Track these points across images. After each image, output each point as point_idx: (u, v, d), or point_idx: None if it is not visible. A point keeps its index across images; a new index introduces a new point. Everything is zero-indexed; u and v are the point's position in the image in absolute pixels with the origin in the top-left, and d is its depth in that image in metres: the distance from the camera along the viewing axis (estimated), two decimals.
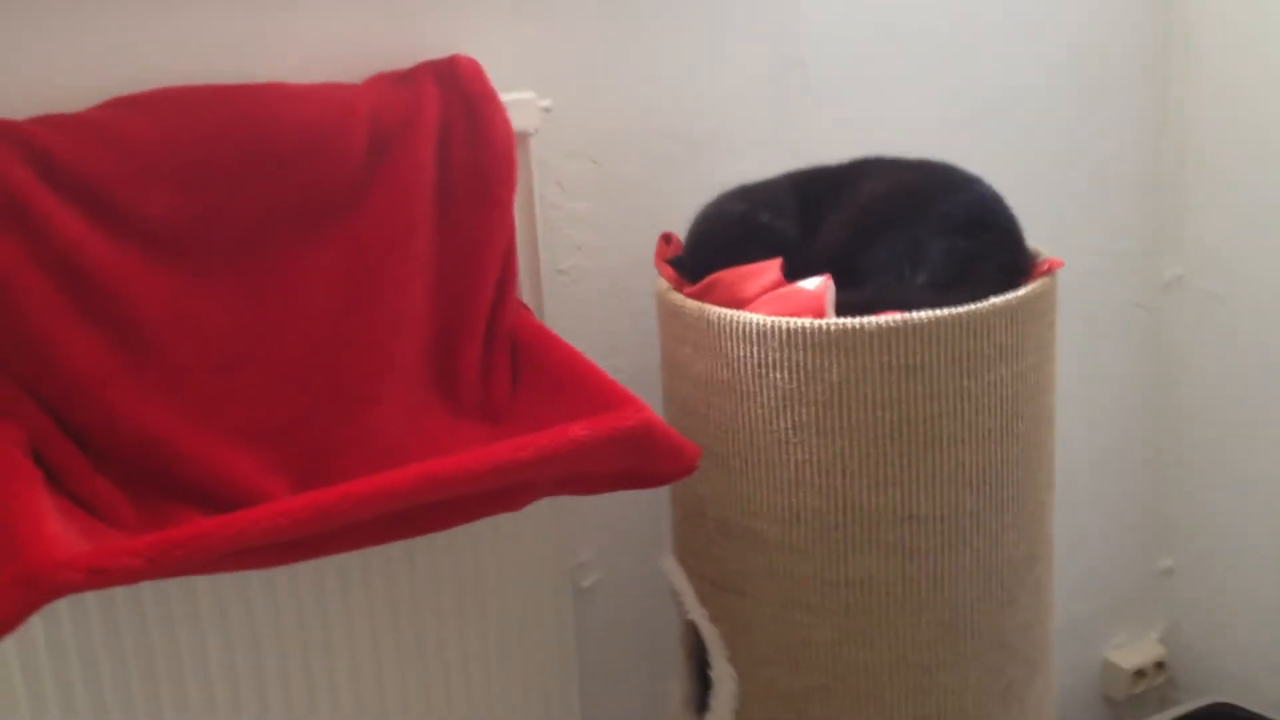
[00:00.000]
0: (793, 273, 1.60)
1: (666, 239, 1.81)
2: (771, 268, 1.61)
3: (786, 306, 1.55)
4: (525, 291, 1.82)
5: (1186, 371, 2.24)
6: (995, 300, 1.53)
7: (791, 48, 1.97)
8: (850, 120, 2.04)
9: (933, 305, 1.53)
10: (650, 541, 1.98)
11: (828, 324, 1.50)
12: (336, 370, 1.47)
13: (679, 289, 1.68)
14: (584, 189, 1.78)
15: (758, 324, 1.54)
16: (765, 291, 1.59)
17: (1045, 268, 1.61)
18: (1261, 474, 2.17)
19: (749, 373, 1.56)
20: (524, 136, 1.66)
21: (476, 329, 1.58)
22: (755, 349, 1.55)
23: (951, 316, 1.50)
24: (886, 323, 1.49)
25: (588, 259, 1.92)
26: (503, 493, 1.48)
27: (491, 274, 1.59)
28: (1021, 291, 1.56)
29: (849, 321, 1.50)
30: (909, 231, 1.60)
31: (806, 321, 1.51)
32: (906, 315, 1.50)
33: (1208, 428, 2.22)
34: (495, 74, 1.56)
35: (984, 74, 2.01)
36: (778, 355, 1.53)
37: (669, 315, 1.67)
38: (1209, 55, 2.00)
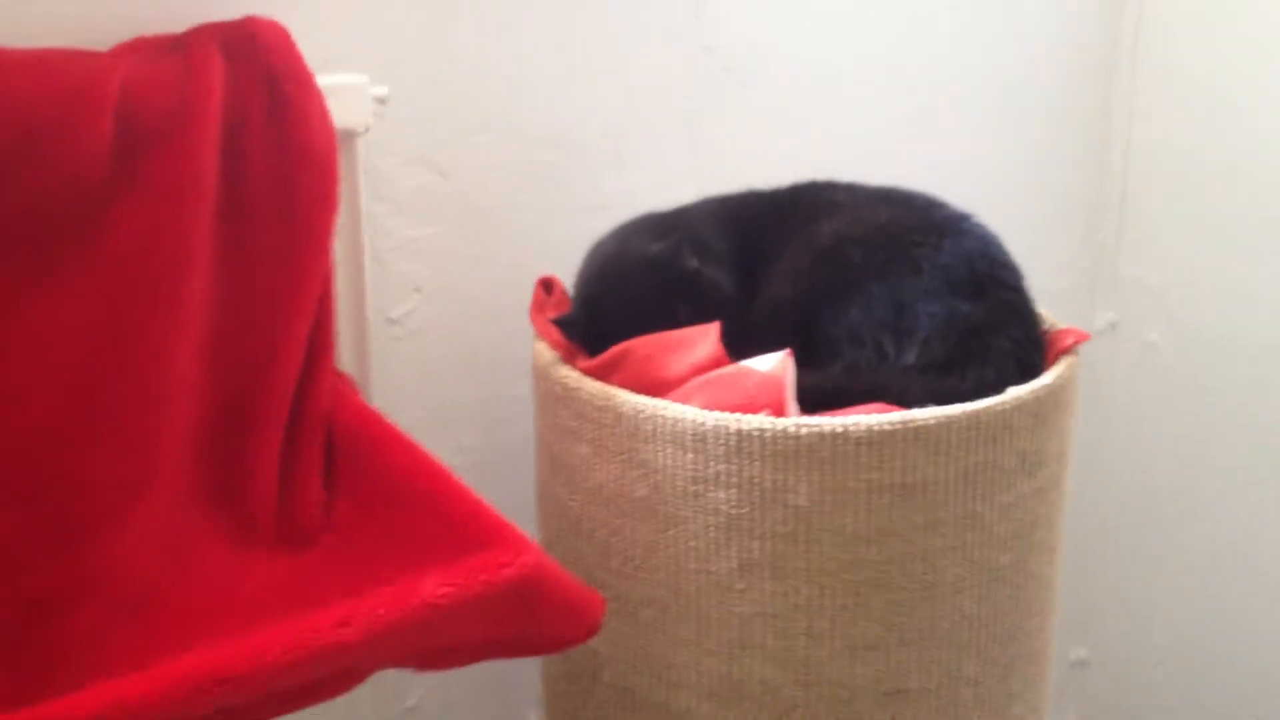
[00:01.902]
0: (731, 342, 1.14)
1: (547, 286, 1.32)
2: (706, 336, 1.15)
3: (730, 395, 1.10)
4: (344, 351, 1.30)
5: (1113, 435, 2.01)
6: (1019, 391, 1.10)
7: (699, 33, 1.51)
8: (769, 123, 1.59)
9: (931, 397, 1.09)
10: (499, 685, 1.50)
11: (793, 425, 1.05)
12: (65, 475, 1.07)
13: (569, 361, 1.20)
14: (427, 209, 1.43)
15: (692, 421, 1.07)
16: (699, 371, 1.13)
17: (1069, 342, 1.19)
18: (1187, 560, 1.99)
19: (676, 490, 1.09)
20: (348, 136, 1.30)
21: (274, 413, 1.18)
22: (688, 457, 1.08)
23: (964, 416, 1.07)
24: (876, 424, 1.05)
25: (429, 305, 1.43)
26: (314, 686, 0.97)
27: (298, 331, 1.21)
28: (1048, 378, 1.14)
29: (824, 423, 1.05)
30: (890, 290, 1.17)
31: (762, 421, 1.06)
32: (902, 414, 1.06)
33: (1131, 506, 2.04)
34: (311, 49, 1.19)
35: (914, 91, 1.73)
36: (721, 467, 1.07)
37: (554, 399, 1.19)
38: (1154, 92, 1.87)
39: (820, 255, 1.22)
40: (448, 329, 1.46)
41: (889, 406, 1.10)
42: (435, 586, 0.97)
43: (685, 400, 1.12)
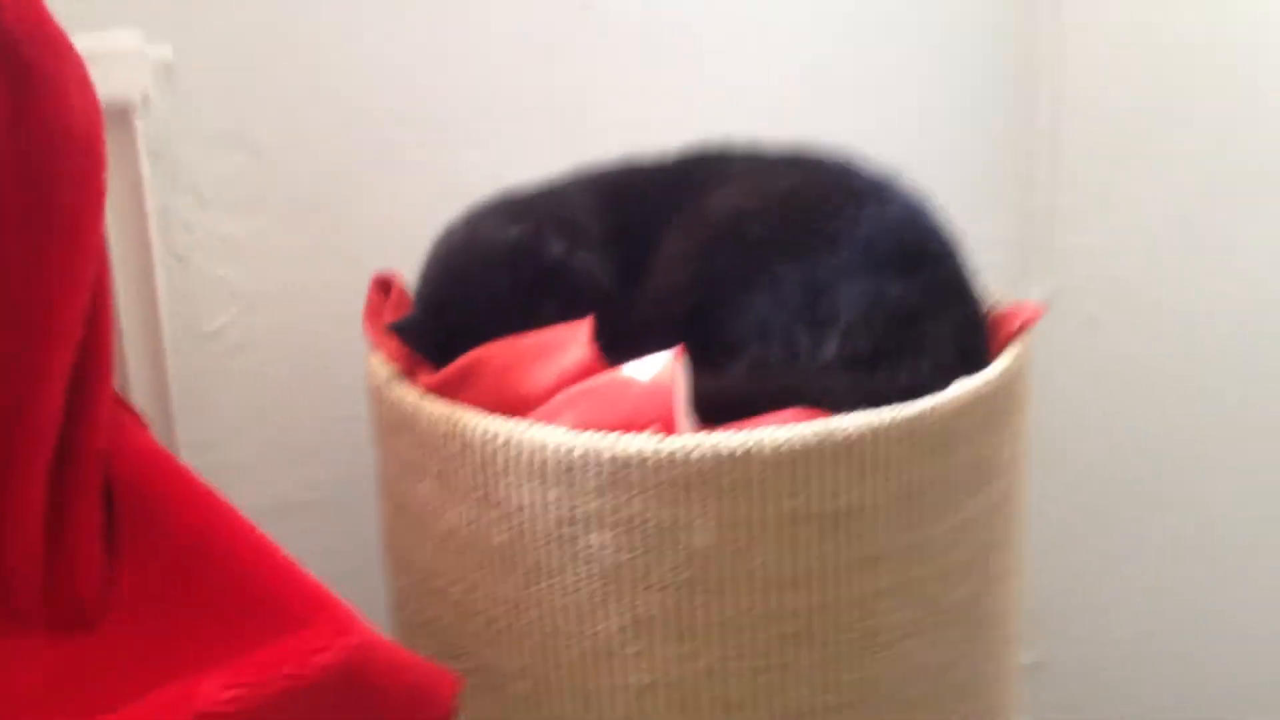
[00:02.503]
0: (609, 343, 0.92)
1: (383, 286, 1.08)
2: (575, 337, 0.92)
3: (606, 411, 0.87)
4: (138, 376, 1.06)
5: (1054, 420, 1.78)
6: (963, 386, 0.88)
7: None
8: (657, 90, 1.36)
9: (858, 398, 0.88)
10: None
11: (686, 445, 0.82)
12: None
13: (410, 376, 0.96)
14: (241, 200, 1.21)
15: (557, 448, 0.84)
16: (568, 381, 0.91)
17: (1018, 323, 0.98)
18: (1142, 554, 1.82)
19: (542, 534, 0.86)
20: (124, 111, 1.09)
21: (32, 462, 0.95)
22: (553, 492, 0.86)
23: (900, 422, 0.85)
24: (790, 439, 0.83)
25: (253, 314, 1.18)
26: None
27: (59, 359, 0.97)
28: (997, 369, 0.92)
29: (724, 440, 0.83)
30: (801, 271, 0.95)
31: (647, 442, 0.83)
32: (822, 423, 0.84)
33: (1080, 495, 1.84)
34: (66, 2, 0.93)
35: (819, 45, 1.51)
36: (596, 504, 0.85)
37: (392, 426, 0.95)
38: (1082, 36, 1.68)
39: (715, 234, 0.99)
40: (279, 342, 1.22)
41: (807, 413, 0.88)
42: (218, 690, 0.73)
43: (550, 420, 0.89)
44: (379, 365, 0.99)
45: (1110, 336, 1.75)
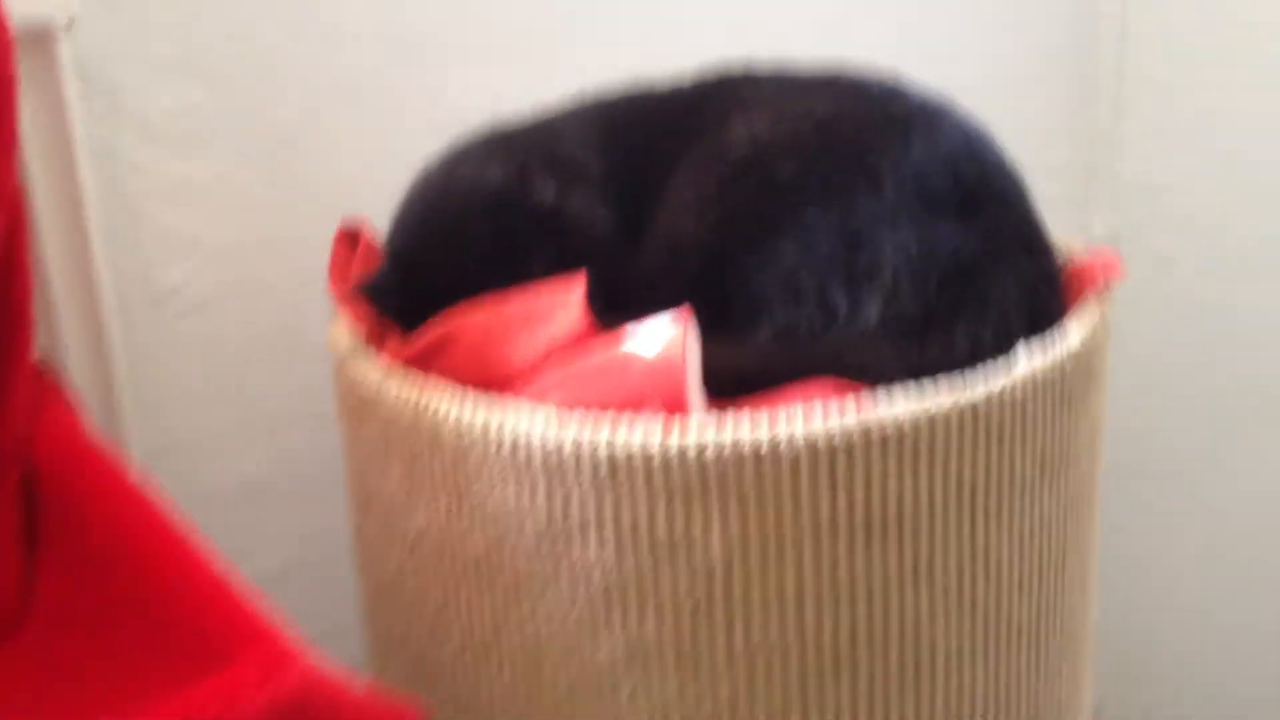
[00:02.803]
0: (609, 302, 0.77)
1: (350, 237, 0.93)
2: (566, 300, 0.77)
3: (602, 391, 0.73)
4: (76, 342, 0.91)
5: (1118, 377, 1.55)
6: (1035, 360, 0.73)
7: None
8: (665, 2, 1.19)
9: (906, 372, 0.72)
10: None
11: (699, 435, 0.67)
12: None
13: (377, 345, 0.82)
14: (196, 137, 1.05)
15: (542, 439, 0.69)
16: (558, 355, 0.75)
17: (1098, 277, 0.82)
18: (1217, 534, 1.57)
19: (528, 542, 0.72)
20: (43, 35, 0.93)
21: None
22: (539, 494, 0.71)
23: (960, 407, 0.69)
24: (824, 428, 0.67)
25: (215, 267, 1.04)
26: None
27: None
28: (1076, 337, 0.76)
29: (746, 430, 0.68)
30: (837, 216, 0.79)
31: (650, 430, 0.68)
32: (862, 406, 0.68)
33: (1145, 468, 1.60)
34: None
35: None
36: (591, 510, 0.70)
37: (356, 406, 0.81)
38: None
39: (733, 172, 0.83)
40: (242, 301, 1.07)
41: (843, 389, 0.72)
42: None
43: (539, 398, 0.74)
44: (342, 333, 0.84)
45: (1184, 279, 1.55)
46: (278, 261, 1.07)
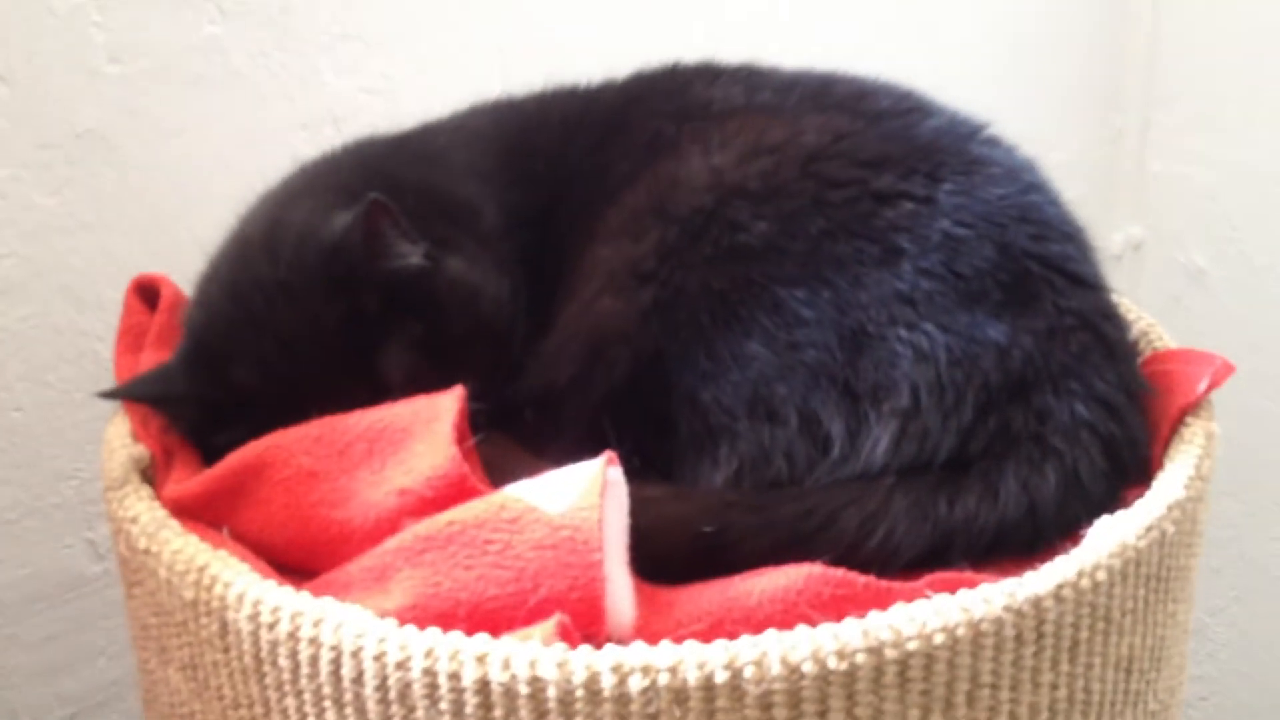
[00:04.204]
0: (499, 421, 0.52)
1: (145, 294, 0.67)
2: (433, 418, 0.52)
3: (483, 572, 0.48)
4: None
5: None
6: (1122, 531, 0.49)
7: None
8: None
9: (926, 543, 0.49)
10: None
11: (626, 660, 0.43)
12: None
13: (161, 469, 0.56)
14: None
15: (388, 655, 0.44)
16: (415, 508, 0.50)
17: (1197, 388, 0.57)
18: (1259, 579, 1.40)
19: None
20: None
21: None
22: None
23: (1013, 609, 0.45)
24: (810, 650, 0.43)
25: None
26: None
27: None
28: (1173, 487, 0.52)
29: (695, 655, 0.43)
30: (833, 296, 0.55)
31: (552, 648, 0.43)
32: (865, 620, 0.44)
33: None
34: None
35: None
36: None
37: (129, 559, 0.55)
38: None
39: (685, 228, 0.58)
40: (44, 353, 0.81)
41: (827, 575, 0.49)
42: None
43: (378, 589, 0.49)
44: (115, 446, 0.59)
45: (1217, 292, 1.35)
46: (69, 303, 0.81)
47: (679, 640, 0.45)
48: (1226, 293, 1.36)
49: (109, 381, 0.65)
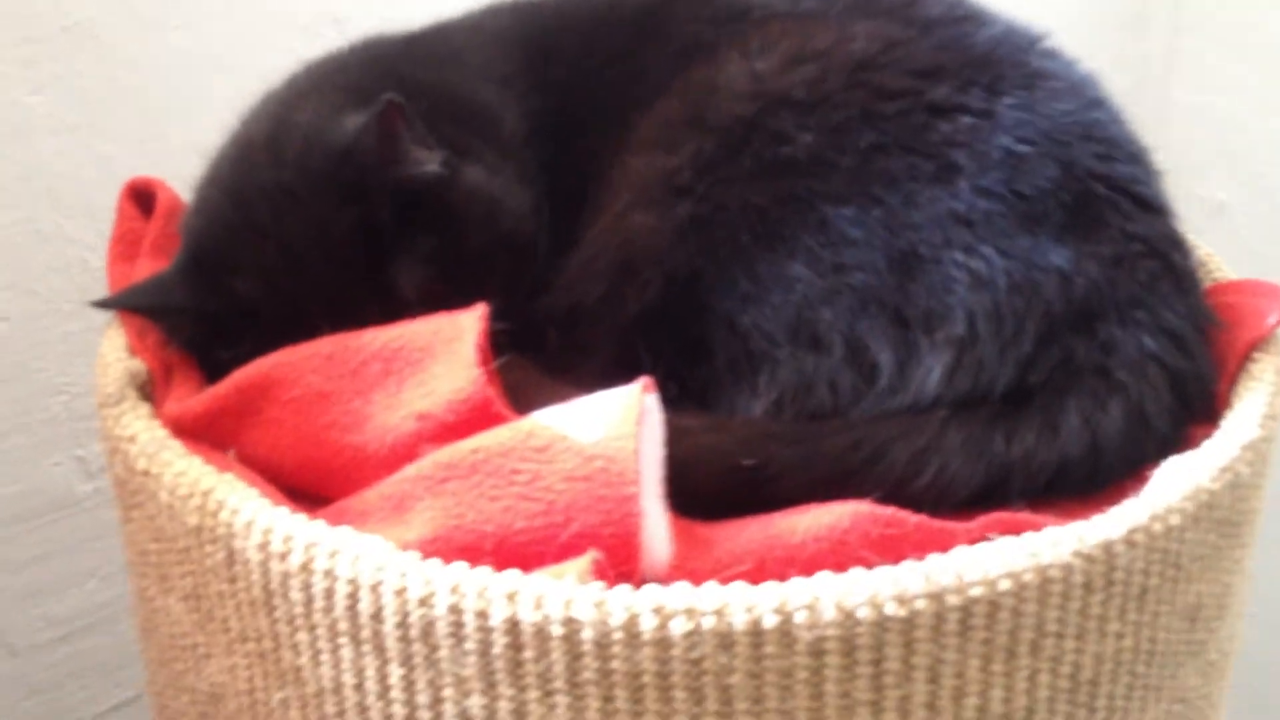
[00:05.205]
0: (523, 341, 0.48)
1: (140, 200, 0.63)
2: (454, 336, 0.48)
3: (509, 503, 0.44)
4: None
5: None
6: (1194, 473, 0.46)
7: None
8: None
9: (982, 480, 0.46)
10: None
11: (665, 600, 0.40)
12: None
13: (160, 386, 0.52)
14: None
15: (409, 590, 0.41)
16: (436, 434, 0.47)
17: (1267, 322, 0.54)
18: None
19: None
20: None
21: None
22: (399, 672, 0.42)
23: (1070, 561, 0.42)
24: (867, 597, 0.40)
25: None
26: None
27: None
28: (1247, 426, 0.49)
29: (739, 597, 0.40)
30: (880, 218, 0.51)
31: (584, 585, 0.40)
32: (925, 566, 0.41)
33: None
34: None
35: None
36: (485, 704, 0.41)
37: (126, 480, 0.51)
38: None
39: (722, 137, 0.54)
40: (30, 260, 0.77)
41: (876, 513, 0.45)
42: None
43: (398, 515, 0.46)
44: (110, 359, 0.55)
45: (1243, 228, 1.30)
46: (70, 212, 0.77)
47: (725, 581, 0.42)
48: (1248, 228, 1.32)
49: (98, 291, 0.61)
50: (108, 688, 0.86)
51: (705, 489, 0.48)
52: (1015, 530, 0.45)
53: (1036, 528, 0.45)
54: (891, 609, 0.41)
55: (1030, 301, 0.50)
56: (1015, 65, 0.56)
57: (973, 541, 0.44)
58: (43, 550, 0.81)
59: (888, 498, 0.47)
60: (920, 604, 0.41)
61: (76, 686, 0.85)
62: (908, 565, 0.42)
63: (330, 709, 0.46)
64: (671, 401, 0.48)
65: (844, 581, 0.41)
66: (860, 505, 0.47)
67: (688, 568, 0.45)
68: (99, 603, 0.84)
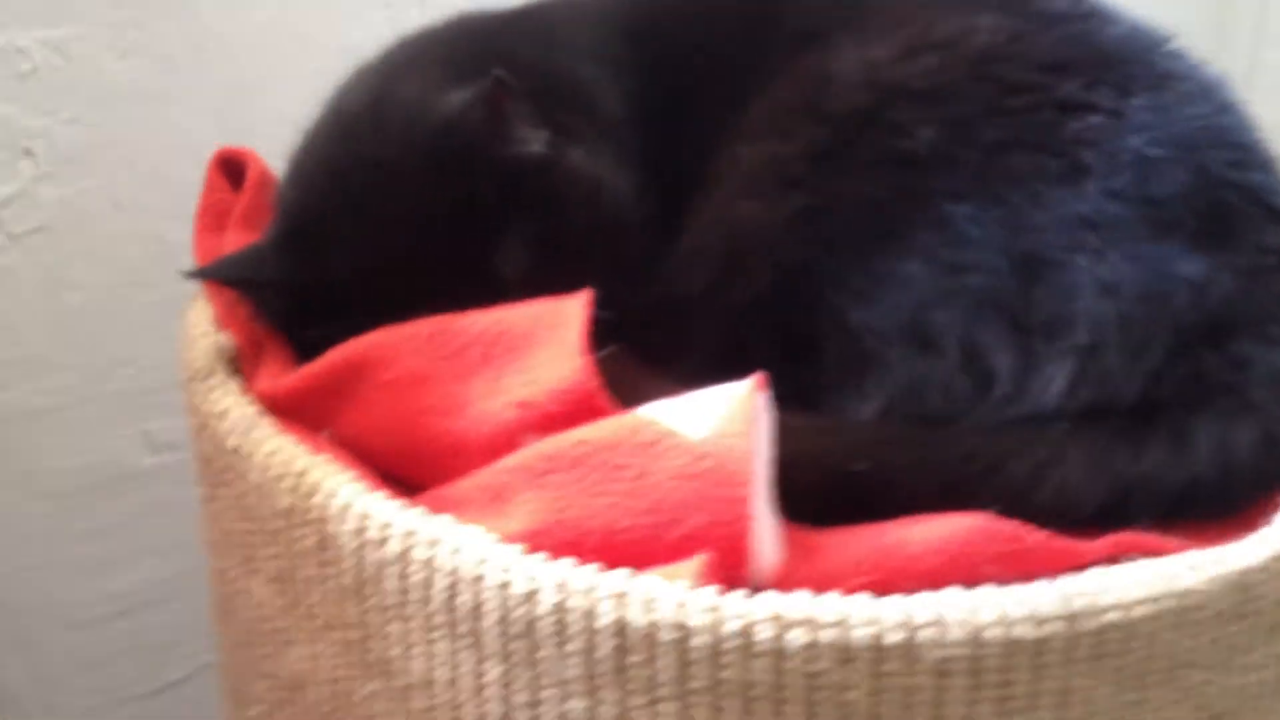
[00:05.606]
0: (629, 331, 0.49)
1: (230, 170, 0.61)
2: (558, 323, 0.46)
3: (614, 500, 0.42)
4: None
5: None
6: None
7: None
8: None
9: (1111, 499, 0.44)
10: None
11: (779, 610, 0.38)
12: None
13: (250, 361, 0.51)
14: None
15: (510, 585, 0.39)
16: (543, 421, 0.45)
17: None
18: None
19: None
20: None
21: None
22: (498, 670, 0.41)
23: (1220, 581, 0.40)
24: (994, 617, 0.37)
25: (59, 183, 0.70)
26: None
27: None
28: None
29: (861, 610, 0.38)
30: (1001, 218, 0.49)
31: (694, 590, 0.38)
32: (1058, 586, 0.39)
33: None
34: None
35: None
36: (588, 708, 0.40)
37: (212, 457, 0.50)
38: None
39: (837, 129, 0.52)
40: (105, 229, 0.75)
41: (995, 527, 0.43)
42: None
43: (497, 506, 0.44)
44: (196, 334, 0.53)
45: None
46: (152, 178, 0.75)
47: (849, 591, 0.40)
48: None
49: (172, 263, 0.60)
50: (162, 665, 0.85)
51: (812, 493, 0.46)
52: (1143, 552, 0.43)
53: (1165, 550, 0.43)
54: (1022, 630, 0.39)
55: (1159, 312, 0.48)
56: (1144, 65, 0.54)
57: (1101, 562, 0.42)
58: (104, 523, 0.80)
59: (1005, 512, 0.45)
60: (1053, 626, 0.39)
61: (129, 664, 0.84)
62: (1040, 585, 0.40)
63: (419, 704, 0.44)
64: (776, 399, 0.46)
65: (972, 599, 0.39)
66: (978, 518, 0.45)
67: (795, 576, 0.43)
68: (159, 578, 0.82)
